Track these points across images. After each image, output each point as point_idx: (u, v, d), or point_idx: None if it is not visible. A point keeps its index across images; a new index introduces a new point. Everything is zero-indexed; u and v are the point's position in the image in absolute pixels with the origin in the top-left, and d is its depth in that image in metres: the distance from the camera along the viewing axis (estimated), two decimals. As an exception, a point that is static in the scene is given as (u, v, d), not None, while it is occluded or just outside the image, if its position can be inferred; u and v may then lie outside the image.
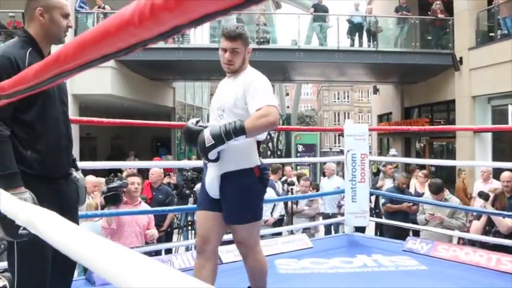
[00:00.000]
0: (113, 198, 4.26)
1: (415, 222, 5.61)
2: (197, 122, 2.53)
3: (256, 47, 12.82)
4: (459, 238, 5.48)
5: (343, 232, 5.38)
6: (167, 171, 7.27)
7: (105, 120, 4.06)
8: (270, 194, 6.32)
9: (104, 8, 12.70)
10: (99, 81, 11.84)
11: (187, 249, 4.89)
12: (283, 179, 8.61)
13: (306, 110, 55.96)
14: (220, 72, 2.67)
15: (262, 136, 2.63)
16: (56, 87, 2.12)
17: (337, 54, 13.22)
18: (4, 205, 1.41)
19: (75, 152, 2.44)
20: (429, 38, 13.63)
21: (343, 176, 5.89)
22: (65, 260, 2.09)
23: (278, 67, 14.72)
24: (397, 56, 13.37)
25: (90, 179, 5.15)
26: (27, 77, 1.18)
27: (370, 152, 5.81)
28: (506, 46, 10.64)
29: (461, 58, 12.28)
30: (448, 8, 12.94)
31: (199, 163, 3.32)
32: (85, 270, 4.04)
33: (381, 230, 6.98)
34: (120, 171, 6.29)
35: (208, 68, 12.66)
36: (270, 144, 25.46)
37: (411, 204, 6.13)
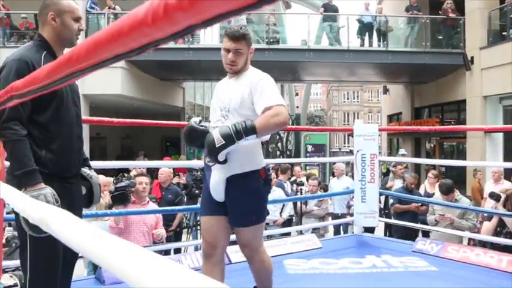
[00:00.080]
0: (119, 197, 4.27)
1: (425, 223, 5.58)
2: (200, 121, 2.51)
3: (266, 47, 12.84)
4: (469, 239, 5.44)
5: (352, 232, 5.36)
6: (178, 171, 7.28)
7: (115, 120, 4.09)
8: (279, 194, 6.33)
9: (114, 8, 12.78)
10: (109, 82, 11.92)
11: (196, 248, 4.90)
12: (292, 179, 8.61)
13: (316, 110, 55.85)
14: (230, 72, 2.67)
15: (267, 137, 2.61)
16: (69, 89, 2.17)
17: (347, 54, 13.18)
18: (17, 204, 1.43)
19: (86, 151, 2.47)
20: (440, 37, 13.53)
21: (352, 177, 5.87)
22: (73, 255, 2.17)
23: (288, 67, 14.71)
24: (407, 55, 13.29)
25: (100, 178, 5.17)
26: (39, 77, 1.19)
27: (379, 152, 5.79)
28: (519, 46, 10.56)
29: (472, 58, 12.18)
30: (460, 7, 12.83)
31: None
32: (95, 269, 4.06)
33: (390, 230, 6.95)
34: (129, 171, 6.32)
35: (218, 68, 12.50)
36: (279, 144, 25.43)
37: (419, 204, 6.10)
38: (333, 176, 8.88)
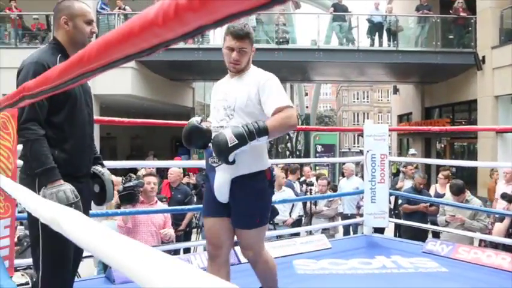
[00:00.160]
0: (127, 197, 4.29)
1: (435, 223, 5.54)
2: (201, 120, 2.49)
3: (275, 47, 12.83)
4: (480, 240, 5.39)
5: (362, 233, 5.34)
6: (189, 171, 7.30)
7: (125, 120, 4.11)
8: (288, 194, 6.31)
9: (124, 9, 12.86)
10: (119, 82, 11.98)
11: (205, 248, 4.90)
12: (302, 179, 8.60)
13: (325, 110, 55.71)
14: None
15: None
16: (82, 90, 2.23)
17: (357, 54, 13.13)
18: (28, 203, 1.44)
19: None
20: (451, 36, 13.42)
21: (362, 177, 5.85)
22: (78, 253, 2.23)
23: (297, 67, 14.69)
24: (417, 55, 13.20)
25: (111, 177, 5.20)
26: (51, 77, 1.20)
27: (389, 153, 5.76)
28: (531, 45, 10.45)
29: (483, 57, 12.08)
30: (471, 6, 12.71)
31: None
32: (105, 268, 4.09)
33: (399, 231, 6.91)
34: (137, 170, 6.35)
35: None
36: (288, 144, 25.43)
37: (428, 204, 6.05)
38: (343, 176, 8.86)
